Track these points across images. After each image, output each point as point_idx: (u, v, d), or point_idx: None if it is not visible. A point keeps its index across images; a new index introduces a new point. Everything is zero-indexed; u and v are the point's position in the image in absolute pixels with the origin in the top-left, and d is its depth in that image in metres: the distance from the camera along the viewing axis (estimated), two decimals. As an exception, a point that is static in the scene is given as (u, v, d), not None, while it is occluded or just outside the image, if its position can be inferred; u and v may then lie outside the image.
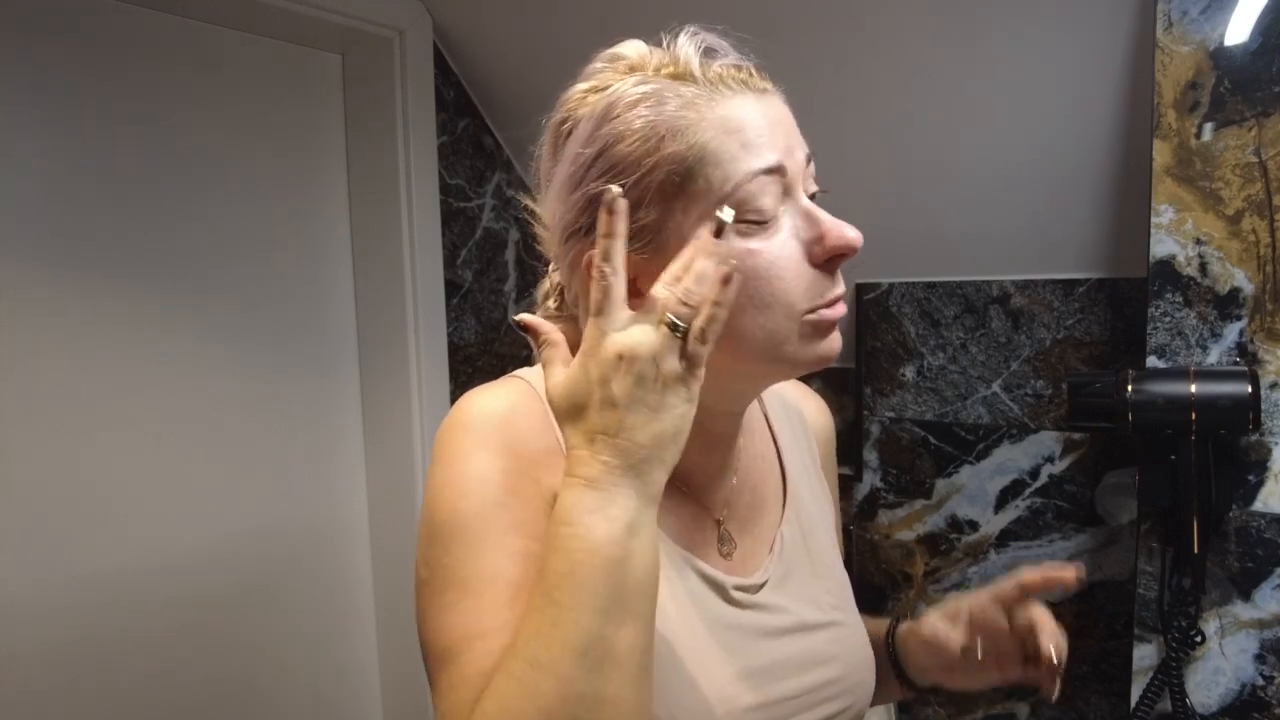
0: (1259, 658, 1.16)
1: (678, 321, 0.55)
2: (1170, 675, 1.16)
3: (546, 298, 0.77)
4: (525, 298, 1.92)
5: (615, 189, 0.56)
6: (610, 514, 0.54)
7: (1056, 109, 1.35)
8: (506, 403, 0.66)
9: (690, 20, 0.67)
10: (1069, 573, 0.71)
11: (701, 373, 0.57)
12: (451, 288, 1.75)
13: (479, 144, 1.80)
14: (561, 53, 1.63)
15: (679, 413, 0.56)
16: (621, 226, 0.56)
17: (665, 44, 0.66)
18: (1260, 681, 1.16)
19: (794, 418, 0.86)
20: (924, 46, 1.36)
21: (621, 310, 0.56)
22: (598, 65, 0.67)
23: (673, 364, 0.55)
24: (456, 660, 0.58)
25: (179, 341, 1.47)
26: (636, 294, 0.65)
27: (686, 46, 0.65)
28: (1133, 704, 1.22)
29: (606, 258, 0.55)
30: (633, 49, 0.67)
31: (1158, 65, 1.17)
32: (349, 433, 1.76)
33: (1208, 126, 1.15)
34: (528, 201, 0.72)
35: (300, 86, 1.64)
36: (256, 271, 1.58)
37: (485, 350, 1.84)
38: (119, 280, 1.39)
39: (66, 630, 1.33)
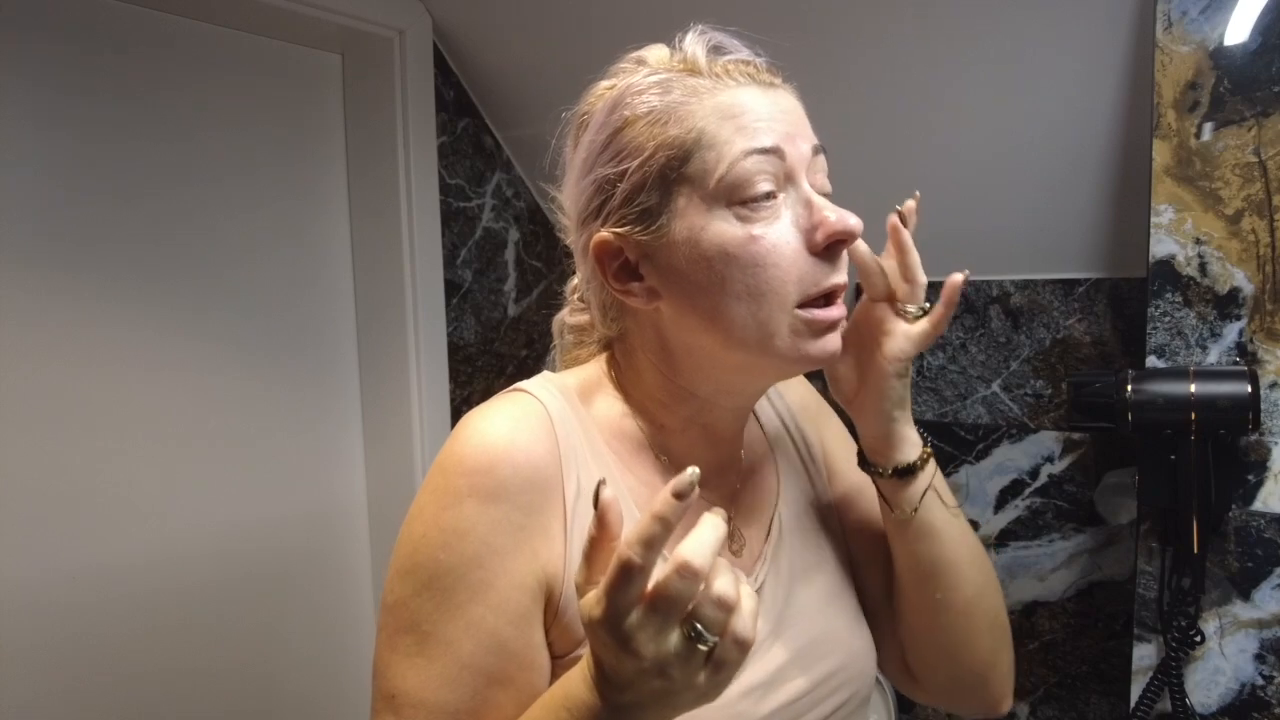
0: (1259, 657, 1.16)
1: (706, 635, 0.49)
2: (1170, 675, 1.16)
3: (574, 292, 0.78)
4: (525, 298, 1.92)
5: (687, 479, 0.48)
6: None
7: (1056, 109, 1.35)
8: (507, 429, 0.64)
9: (690, 20, 0.68)
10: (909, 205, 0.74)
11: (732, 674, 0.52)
12: (451, 287, 1.75)
13: (479, 144, 1.80)
14: (561, 52, 1.64)
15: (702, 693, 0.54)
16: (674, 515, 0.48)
17: (676, 43, 0.68)
18: (1260, 681, 1.16)
19: (777, 403, 0.86)
20: (923, 46, 1.36)
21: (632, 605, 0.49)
22: (621, 65, 0.69)
23: (701, 680, 0.51)
24: (397, 714, 0.61)
25: (178, 340, 1.47)
26: (635, 276, 0.66)
27: (694, 43, 0.66)
28: (1132, 704, 1.22)
29: (647, 544, 0.48)
30: (653, 51, 0.69)
31: (1157, 65, 1.17)
32: (349, 432, 1.76)
33: (1207, 126, 1.15)
34: (554, 192, 0.73)
35: (300, 86, 1.64)
36: (256, 271, 1.58)
37: (485, 350, 1.84)
38: (119, 277, 1.39)
39: (67, 627, 1.33)
